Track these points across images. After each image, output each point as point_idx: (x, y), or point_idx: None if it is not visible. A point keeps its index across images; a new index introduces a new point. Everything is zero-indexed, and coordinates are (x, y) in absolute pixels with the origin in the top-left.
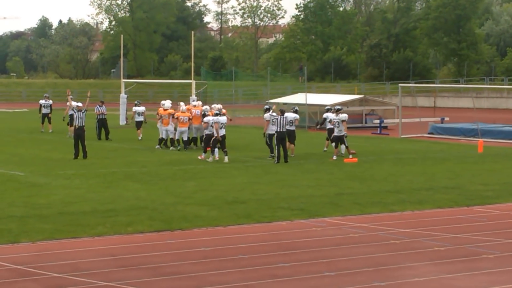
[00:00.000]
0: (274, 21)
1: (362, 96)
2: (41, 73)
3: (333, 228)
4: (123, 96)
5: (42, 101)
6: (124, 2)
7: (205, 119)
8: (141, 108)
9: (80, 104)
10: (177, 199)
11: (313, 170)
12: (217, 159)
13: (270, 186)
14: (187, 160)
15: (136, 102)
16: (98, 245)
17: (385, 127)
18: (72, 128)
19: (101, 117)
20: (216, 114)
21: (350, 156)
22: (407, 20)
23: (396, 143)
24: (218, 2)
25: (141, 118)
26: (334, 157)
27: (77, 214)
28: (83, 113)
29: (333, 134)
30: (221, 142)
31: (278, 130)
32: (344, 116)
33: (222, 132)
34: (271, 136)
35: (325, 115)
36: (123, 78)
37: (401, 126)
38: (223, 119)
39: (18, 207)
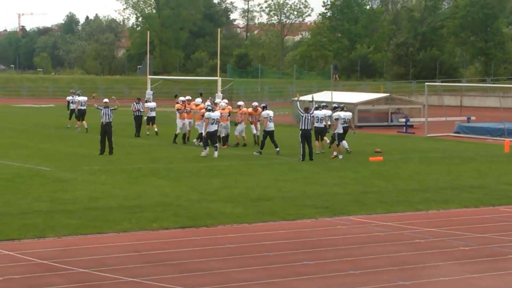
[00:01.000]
0: (300, 19)
1: (388, 94)
2: (67, 69)
3: (358, 226)
4: (149, 92)
5: (69, 98)
6: None
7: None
8: (153, 104)
9: (107, 100)
10: (202, 195)
11: (338, 168)
12: (206, 154)
13: (295, 184)
14: (212, 157)
15: (146, 98)
16: (124, 240)
17: (411, 126)
18: (79, 122)
19: (137, 114)
20: (208, 110)
21: (322, 151)
22: (434, 18)
23: (422, 142)
24: (245, 0)
25: (153, 114)
26: (335, 153)
27: (103, 210)
28: (110, 109)
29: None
30: (211, 138)
31: (303, 127)
32: (327, 112)
33: (213, 127)
34: (267, 132)
35: (334, 115)
36: (149, 75)
37: (427, 125)
38: (214, 114)
39: (44, 202)
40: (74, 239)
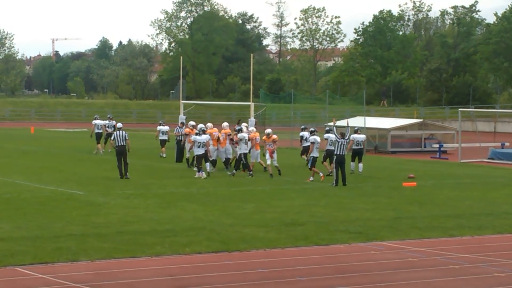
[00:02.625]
0: (333, 45)
1: (421, 120)
2: (101, 94)
3: (392, 252)
4: (181, 117)
5: (105, 122)
6: (184, 24)
7: (192, 138)
8: (165, 128)
9: (120, 124)
10: (235, 220)
11: (371, 193)
12: (203, 176)
13: (328, 209)
14: (245, 182)
15: (160, 121)
16: (156, 264)
17: (445, 152)
18: (99, 146)
19: (179, 138)
20: (196, 134)
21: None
22: (467, 44)
23: (455, 168)
24: (278, 25)
25: (165, 137)
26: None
27: (136, 234)
28: (124, 132)
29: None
30: (198, 160)
31: (338, 153)
32: (313, 138)
33: (201, 151)
34: (245, 155)
35: (311, 139)
36: (182, 100)
37: (461, 150)
38: (200, 138)
39: (77, 225)
40: (107, 263)
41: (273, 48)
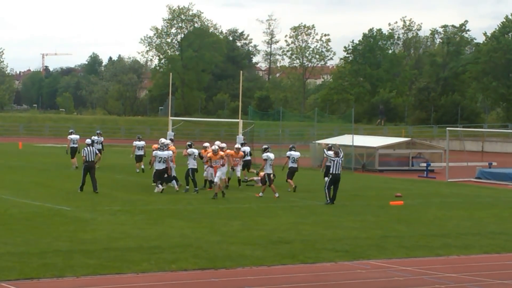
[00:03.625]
0: (322, 62)
1: (409, 139)
2: (90, 109)
3: (378, 270)
4: (170, 133)
5: (94, 138)
6: (174, 40)
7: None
8: (141, 143)
9: (89, 140)
10: (222, 237)
11: (359, 212)
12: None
13: (315, 227)
14: (232, 199)
15: (137, 136)
16: (142, 281)
17: (432, 171)
18: (74, 160)
19: None
20: (158, 149)
21: (276, 195)
22: (456, 64)
23: (442, 187)
24: (268, 43)
25: (141, 152)
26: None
27: (122, 250)
28: (94, 148)
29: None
30: (160, 175)
31: (334, 172)
32: (265, 155)
33: (161, 165)
34: (193, 170)
35: (263, 156)
36: (171, 116)
37: (448, 170)
38: (162, 153)
39: (64, 241)
40: (93, 279)
41: (263, 65)
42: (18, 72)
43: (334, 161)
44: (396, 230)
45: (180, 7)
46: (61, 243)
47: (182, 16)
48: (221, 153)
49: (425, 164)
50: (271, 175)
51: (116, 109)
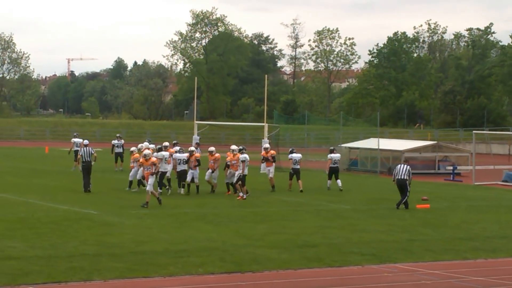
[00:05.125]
0: (347, 66)
1: (435, 142)
2: (115, 114)
3: (405, 274)
4: (195, 137)
5: (114, 141)
6: (199, 44)
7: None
8: (121, 142)
9: (87, 141)
10: (248, 241)
11: (385, 215)
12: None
13: (341, 230)
14: (258, 203)
15: (117, 135)
16: (169, 285)
17: (458, 174)
18: (76, 162)
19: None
20: (158, 149)
21: (240, 195)
22: (482, 67)
23: (469, 190)
24: (293, 47)
25: (120, 150)
26: (244, 196)
27: (149, 254)
28: (90, 148)
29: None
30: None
31: (399, 177)
32: (243, 156)
33: (181, 167)
34: (162, 174)
35: (241, 157)
36: (196, 120)
37: (475, 173)
38: (181, 155)
39: (91, 245)
40: (120, 283)
41: (288, 69)
42: (44, 77)
43: (397, 167)
44: (423, 234)
45: (203, 12)
46: (88, 247)
47: (206, 20)
48: (153, 159)
49: (451, 168)
50: (245, 176)
51: (142, 113)
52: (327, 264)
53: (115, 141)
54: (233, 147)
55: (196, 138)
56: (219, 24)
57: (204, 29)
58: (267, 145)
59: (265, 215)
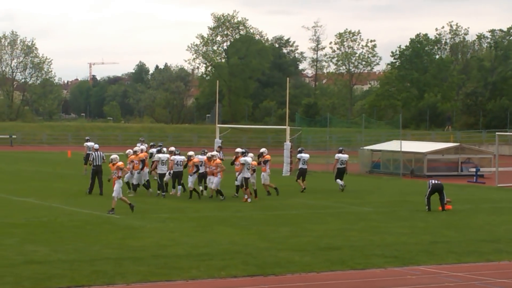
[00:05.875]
0: (369, 68)
1: (458, 144)
2: (137, 118)
3: (428, 276)
4: (217, 141)
5: (138, 145)
6: (220, 48)
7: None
8: (91, 144)
9: (97, 145)
10: (271, 244)
11: (408, 217)
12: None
13: (363, 233)
14: (280, 206)
15: (86, 138)
16: None
17: (481, 176)
18: (86, 166)
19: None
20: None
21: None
22: (505, 68)
23: (492, 192)
24: (314, 49)
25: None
26: (249, 199)
27: (171, 257)
28: (101, 153)
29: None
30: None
31: (435, 182)
32: (243, 159)
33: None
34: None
35: (241, 160)
36: (218, 123)
37: (498, 175)
38: (180, 158)
39: (114, 249)
40: (143, 286)
41: (309, 72)
42: (66, 81)
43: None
44: (446, 236)
45: (224, 15)
46: (110, 251)
47: (227, 23)
48: (119, 163)
49: (474, 169)
50: (248, 179)
51: (163, 117)
52: (350, 266)
53: (138, 145)
54: (238, 149)
55: (218, 141)
56: (240, 28)
57: (225, 32)
58: (263, 149)
59: (288, 218)
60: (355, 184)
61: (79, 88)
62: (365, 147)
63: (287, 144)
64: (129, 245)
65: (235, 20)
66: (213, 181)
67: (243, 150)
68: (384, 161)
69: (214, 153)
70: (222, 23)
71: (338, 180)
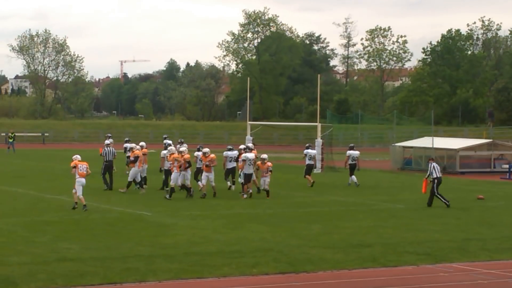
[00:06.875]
0: (400, 64)
1: (491, 140)
2: (168, 115)
3: (461, 274)
4: (248, 138)
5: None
6: (251, 45)
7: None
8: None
9: (107, 141)
10: (302, 241)
11: (440, 214)
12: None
13: (395, 230)
14: (311, 203)
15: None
16: (224, 285)
17: None
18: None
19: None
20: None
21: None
22: None
23: None
24: (345, 46)
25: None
26: (245, 195)
27: (203, 255)
28: (113, 149)
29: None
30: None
31: (438, 176)
32: (244, 155)
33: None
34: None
35: (243, 156)
36: (249, 121)
37: None
38: (251, 155)
39: (145, 246)
40: (175, 284)
41: (340, 68)
42: (97, 79)
43: (433, 165)
44: (479, 233)
45: (256, 12)
46: (142, 248)
47: (258, 20)
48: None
49: (507, 166)
50: (250, 175)
51: (195, 114)
52: (382, 264)
53: (177, 146)
54: (241, 146)
55: (249, 138)
56: (271, 24)
57: (256, 29)
58: (250, 144)
59: (319, 215)
60: (387, 181)
61: (111, 86)
62: (396, 144)
63: (318, 141)
64: (161, 242)
65: (266, 17)
66: (210, 178)
67: (242, 146)
68: (416, 158)
69: (207, 149)
70: (253, 20)
71: (353, 177)
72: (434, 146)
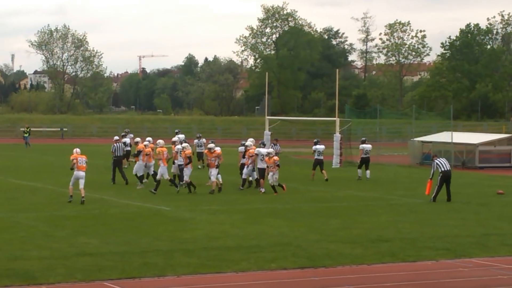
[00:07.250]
0: (419, 59)
1: (510, 135)
2: (186, 110)
3: (481, 269)
4: (266, 133)
5: (195, 141)
6: (269, 40)
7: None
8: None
9: (117, 137)
10: (321, 236)
11: (459, 209)
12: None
13: (415, 225)
14: (330, 198)
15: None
16: (242, 280)
17: None
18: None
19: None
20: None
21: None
22: None
23: None
24: (363, 41)
25: (202, 149)
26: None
27: (221, 249)
28: (122, 144)
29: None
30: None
31: (445, 169)
32: (257, 150)
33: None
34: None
35: (255, 151)
36: (267, 115)
37: None
38: (264, 150)
39: (164, 241)
40: (194, 278)
41: (359, 63)
42: (116, 74)
43: (440, 159)
44: (498, 228)
45: (274, 7)
46: (161, 243)
47: (277, 15)
48: (82, 156)
49: None
50: (264, 170)
51: (213, 109)
52: (401, 259)
53: (195, 141)
54: (248, 142)
55: (267, 133)
56: (289, 19)
57: (274, 24)
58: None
59: (338, 210)
60: (406, 176)
61: (129, 81)
62: (415, 139)
63: (337, 135)
64: (179, 237)
65: (285, 12)
66: (213, 173)
67: (244, 142)
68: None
69: (212, 145)
70: (272, 15)
71: (360, 171)
72: (453, 141)
